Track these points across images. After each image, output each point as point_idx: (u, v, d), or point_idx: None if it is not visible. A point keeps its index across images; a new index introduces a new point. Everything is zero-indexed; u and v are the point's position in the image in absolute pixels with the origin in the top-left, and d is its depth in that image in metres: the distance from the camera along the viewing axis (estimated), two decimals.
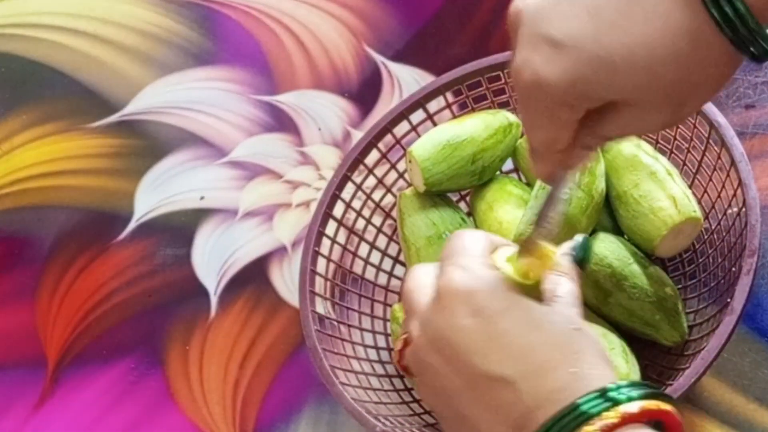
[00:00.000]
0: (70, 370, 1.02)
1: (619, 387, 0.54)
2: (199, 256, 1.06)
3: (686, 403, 0.87)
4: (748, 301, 0.80)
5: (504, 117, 0.94)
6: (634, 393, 0.54)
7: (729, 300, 0.80)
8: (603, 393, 0.54)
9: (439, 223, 0.92)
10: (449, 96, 0.98)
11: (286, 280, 1.03)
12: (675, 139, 0.93)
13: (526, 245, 0.61)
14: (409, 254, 0.93)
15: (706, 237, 0.91)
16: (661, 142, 0.94)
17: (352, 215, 0.97)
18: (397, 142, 0.98)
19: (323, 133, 1.11)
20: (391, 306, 0.95)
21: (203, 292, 1.04)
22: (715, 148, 0.88)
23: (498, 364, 0.57)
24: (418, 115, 0.97)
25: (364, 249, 0.97)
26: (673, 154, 0.93)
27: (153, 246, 1.08)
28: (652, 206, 0.88)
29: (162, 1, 1.25)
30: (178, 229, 1.08)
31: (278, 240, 1.05)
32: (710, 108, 0.87)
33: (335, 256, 0.95)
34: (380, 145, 0.97)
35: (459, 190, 0.98)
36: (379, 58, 1.15)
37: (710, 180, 0.90)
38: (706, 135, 0.89)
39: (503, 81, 0.96)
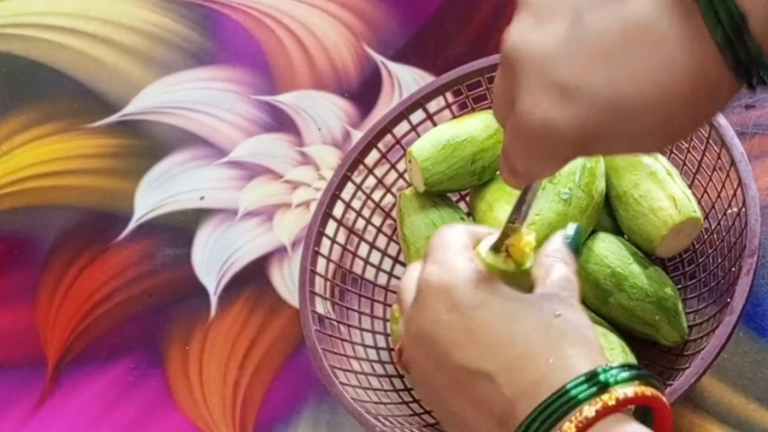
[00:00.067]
0: (70, 370, 1.02)
1: (606, 370, 0.54)
2: (199, 256, 1.06)
3: (686, 403, 0.87)
4: (748, 301, 0.80)
5: None
6: (625, 374, 0.54)
7: (729, 300, 0.80)
8: (591, 377, 0.53)
9: (439, 223, 0.92)
10: (449, 96, 0.98)
11: (286, 280, 1.03)
12: None
13: (505, 233, 0.62)
14: (408, 254, 0.93)
15: (705, 237, 0.91)
16: None
17: (351, 215, 0.97)
18: (397, 142, 0.98)
19: (323, 133, 1.11)
20: (391, 306, 0.95)
21: (203, 292, 1.04)
22: (715, 148, 0.88)
23: (477, 359, 0.56)
24: (418, 115, 0.97)
25: (364, 249, 0.97)
26: (672, 154, 0.93)
27: (153, 246, 1.08)
28: (652, 206, 0.88)
29: (162, 0, 1.25)
30: (178, 229, 1.08)
31: (278, 240, 1.05)
32: None
33: (335, 256, 0.95)
34: (380, 145, 0.97)
35: (459, 190, 0.97)
36: (378, 58, 1.15)
37: (710, 180, 0.90)
38: (706, 135, 0.89)
39: None
